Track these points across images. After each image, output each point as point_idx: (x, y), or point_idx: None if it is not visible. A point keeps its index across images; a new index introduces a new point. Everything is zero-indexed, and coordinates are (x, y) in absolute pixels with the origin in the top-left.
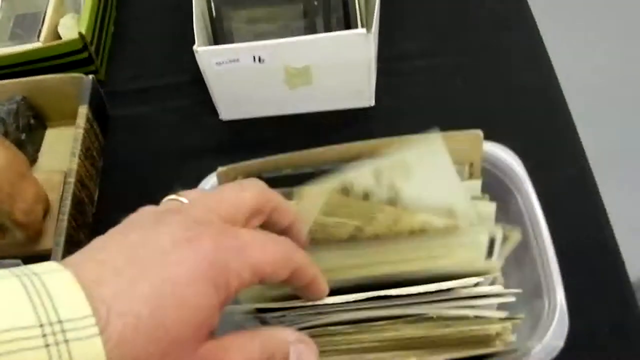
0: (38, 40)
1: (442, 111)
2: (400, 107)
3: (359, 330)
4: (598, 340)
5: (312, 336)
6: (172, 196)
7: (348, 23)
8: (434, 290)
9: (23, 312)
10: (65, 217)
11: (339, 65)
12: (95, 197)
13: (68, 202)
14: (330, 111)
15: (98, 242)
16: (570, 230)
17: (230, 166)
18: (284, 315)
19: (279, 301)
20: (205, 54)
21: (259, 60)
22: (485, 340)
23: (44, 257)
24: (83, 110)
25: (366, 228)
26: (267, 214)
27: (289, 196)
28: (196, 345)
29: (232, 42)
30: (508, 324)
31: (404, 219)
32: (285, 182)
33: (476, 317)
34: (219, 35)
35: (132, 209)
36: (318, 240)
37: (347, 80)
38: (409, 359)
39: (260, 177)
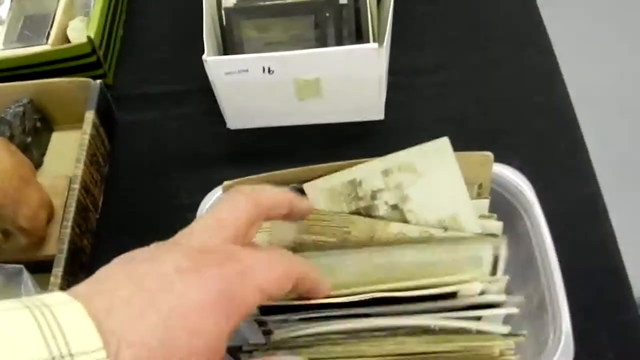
0: (46, 43)
1: (452, 127)
2: (410, 121)
3: (360, 340)
4: None
5: (313, 345)
6: None
7: (360, 35)
8: (437, 293)
9: (35, 346)
10: (69, 223)
11: (350, 79)
12: (100, 203)
13: (72, 209)
14: (339, 124)
15: (103, 272)
16: (578, 252)
17: (236, 180)
18: (285, 320)
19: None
20: (215, 63)
21: (269, 71)
22: (488, 358)
23: (47, 262)
24: (90, 116)
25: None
26: (264, 217)
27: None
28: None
29: (242, 51)
30: (511, 341)
31: (379, 230)
32: None
33: (478, 331)
34: (228, 44)
35: (137, 216)
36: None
37: (357, 94)
38: None
39: None
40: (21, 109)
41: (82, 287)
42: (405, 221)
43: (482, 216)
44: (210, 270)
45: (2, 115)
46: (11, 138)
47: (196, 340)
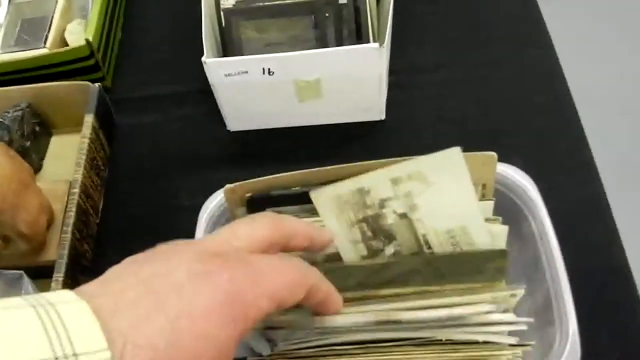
0: (44, 46)
1: (453, 126)
2: (411, 121)
3: (366, 351)
4: None
5: (319, 356)
6: None
7: (359, 35)
8: (445, 316)
9: (39, 345)
10: (70, 228)
11: (350, 79)
12: (100, 207)
13: (72, 214)
14: (340, 124)
15: (113, 272)
16: (582, 252)
17: (238, 184)
18: (292, 334)
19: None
20: (214, 65)
21: (269, 72)
22: None
23: (48, 268)
24: (89, 120)
25: None
26: (282, 245)
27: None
28: None
29: (241, 52)
30: (518, 351)
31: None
32: (294, 200)
33: (485, 342)
34: (228, 45)
35: (137, 219)
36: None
37: (358, 94)
38: None
39: (268, 195)
40: (20, 113)
41: (90, 286)
42: (413, 229)
43: (486, 219)
44: (221, 273)
45: (1, 120)
46: (10, 143)
47: (203, 344)
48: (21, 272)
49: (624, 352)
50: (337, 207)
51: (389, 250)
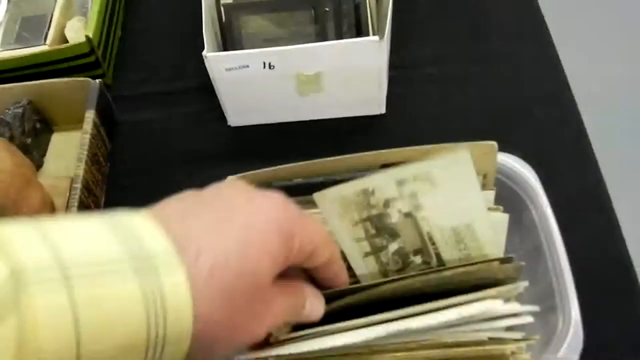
0: (44, 43)
1: (453, 119)
2: (411, 114)
3: (370, 351)
4: (612, 355)
5: (323, 356)
6: None
7: (359, 29)
8: (454, 318)
9: (113, 246)
10: None
11: (351, 73)
12: (102, 203)
13: (74, 209)
14: (340, 118)
15: (171, 199)
16: (583, 242)
17: (240, 175)
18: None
19: None
20: (215, 59)
21: (270, 66)
22: (500, 358)
23: None
24: (90, 115)
25: None
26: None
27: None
28: (268, 287)
29: (241, 47)
30: (523, 344)
31: None
32: (296, 191)
33: (491, 338)
34: (228, 41)
35: None
36: None
37: (359, 88)
38: None
39: (270, 186)
40: (20, 110)
41: (151, 209)
42: (417, 227)
43: (488, 208)
44: (277, 197)
45: (2, 117)
46: (11, 139)
47: (264, 252)
48: None
49: (627, 342)
50: (341, 207)
51: (393, 247)
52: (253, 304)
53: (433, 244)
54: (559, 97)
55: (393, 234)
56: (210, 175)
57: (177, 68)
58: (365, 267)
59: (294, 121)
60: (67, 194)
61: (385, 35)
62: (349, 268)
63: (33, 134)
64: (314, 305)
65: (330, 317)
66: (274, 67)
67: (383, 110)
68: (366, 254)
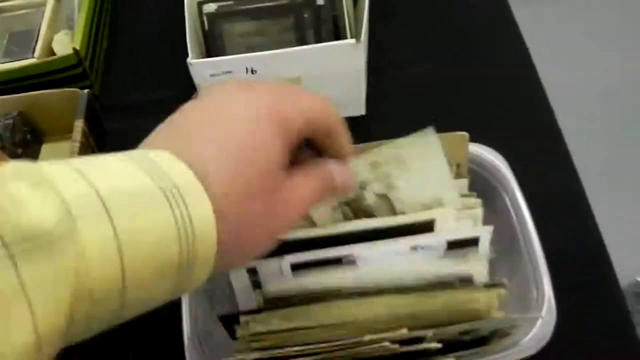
0: (33, 57)
1: (431, 121)
2: (391, 115)
3: (346, 298)
4: (586, 339)
5: (305, 303)
6: None
7: (338, 35)
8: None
9: (142, 179)
10: None
11: (330, 75)
12: None
13: None
14: None
15: (176, 116)
16: (559, 235)
17: None
18: (280, 272)
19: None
20: (199, 66)
21: (252, 71)
22: (475, 316)
23: None
24: (79, 125)
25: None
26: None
27: None
28: (286, 176)
29: (225, 54)
30: (493, 294)
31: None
32: None
33: (461, 281)
34: (211, 49)
35: None
36: None
37: (339, 90)
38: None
39: None
40: (11, 121)
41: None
42: (392, 207)
43: (462, 195)
44: (263, 87)
45: None
46: (2, 150)
47: (271, 150)
48: None
49: (601, 325)
50: None
51: None
52: (274, 198)
53: None
54: (533, 96)
55: (369, 215)
56: None
57: (163, 77)
58: None
59: None
60: None
61: (362, 38)
62: None
63: (24, 145)
64: (342, 173)
65: None
66: (256, 72)
67: (363, 112)
68: None
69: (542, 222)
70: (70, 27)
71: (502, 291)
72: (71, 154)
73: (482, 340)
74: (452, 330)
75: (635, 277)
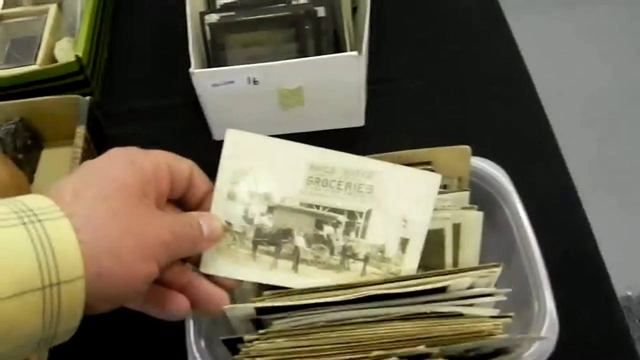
0: (35, 63)
1: (429, 129)
2: (389, 126)
3: (355, 327)
4: (587, 348)
5: (311, 332)
6: None
7: (338, 46)
8: (429, 288)
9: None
10: None
11: (331, 87)
12: None
13: None
14: (322, 131)
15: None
16: (554, 243)
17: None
18: (284, 317)
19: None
20: (202, 75)
21: (253, 82)
22: (480, 336)
23: None
24: (81, 131)
25: None
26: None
27: None
28: (145, 200)
29: (226, 65)
30: (499, 322)
31: None
32: None
33: (469, 315)
34: (213, 59)
35: None
36: None
37: (339, 101)
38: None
39: None
40: (13, 127)
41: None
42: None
43: (462, 207)
44: (125, 150)
45: None
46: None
47: (119, 174)
48: None
49: (600, 335)
50: None
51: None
52: (137, 215)
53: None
54: (528, 104)
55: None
56: None
57: (163, 85)
58: None
59: (277, 135)
60: None
61: (363, 51)
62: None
63: (25, 150)
64: (209, 221)
65: None
66: (257, 82)
67: (362, 123)
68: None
69: (537, 227)
70: (72, 35)
71: (509, 320)
72: (72, 160)
73: (486, 357)
74: (458, 348)
75: (626, 292)
